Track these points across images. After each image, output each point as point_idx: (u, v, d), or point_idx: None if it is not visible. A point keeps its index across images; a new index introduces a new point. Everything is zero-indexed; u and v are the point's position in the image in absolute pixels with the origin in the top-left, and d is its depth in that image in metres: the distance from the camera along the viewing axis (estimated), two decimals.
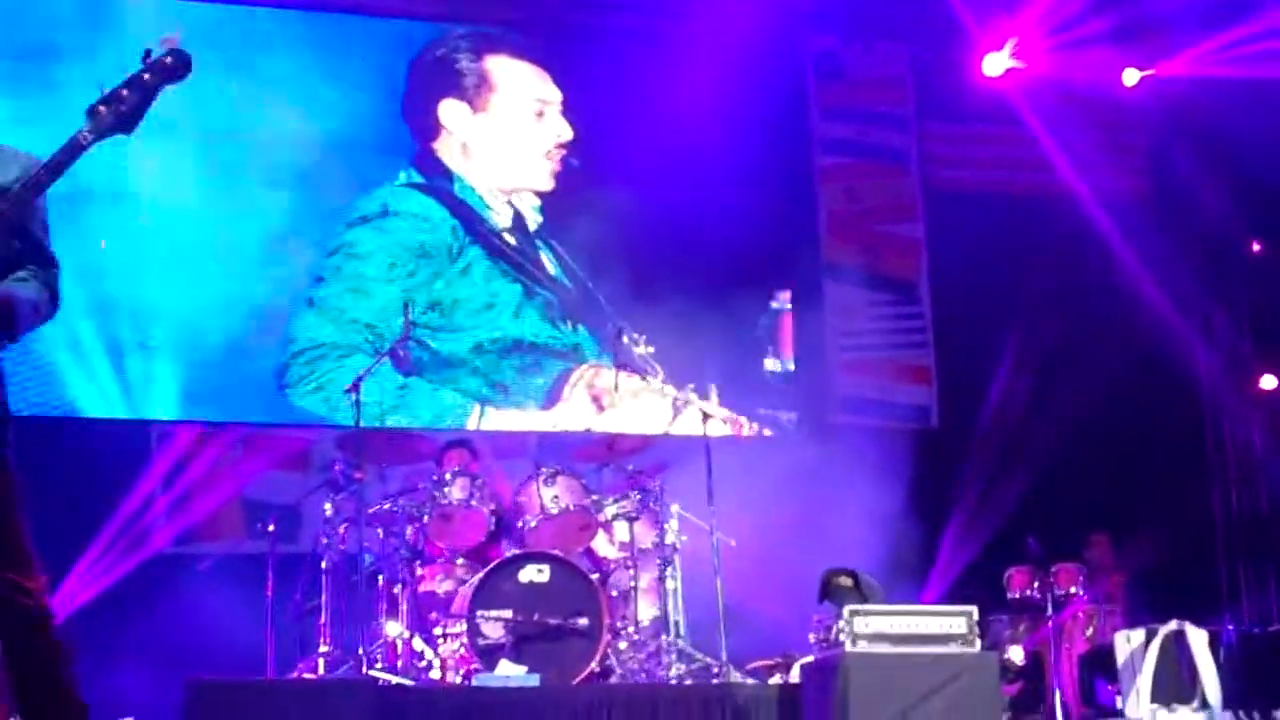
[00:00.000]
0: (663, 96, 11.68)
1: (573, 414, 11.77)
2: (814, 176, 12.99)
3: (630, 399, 11.51)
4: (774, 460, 11.21)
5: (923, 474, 11.59)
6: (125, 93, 4.32)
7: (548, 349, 11.85)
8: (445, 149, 12.05)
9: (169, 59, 4.38)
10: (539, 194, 12.17)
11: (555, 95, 12.29)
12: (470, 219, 11.93)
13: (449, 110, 12.11)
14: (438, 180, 11.96)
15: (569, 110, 12.25)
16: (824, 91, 13.22)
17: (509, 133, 12.22)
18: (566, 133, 12.21)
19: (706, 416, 9.81)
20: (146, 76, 4.35)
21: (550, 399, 11.82)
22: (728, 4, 11.84)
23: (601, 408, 11.76)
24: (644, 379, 10.42)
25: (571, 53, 12.44)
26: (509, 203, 12.09)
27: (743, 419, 11.94)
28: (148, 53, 4.36)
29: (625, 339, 10.23)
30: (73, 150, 4.32)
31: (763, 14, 12.05)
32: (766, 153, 12.41)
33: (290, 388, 11.32)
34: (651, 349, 10.39)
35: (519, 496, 9.58)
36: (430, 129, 12.04)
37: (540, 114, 12.25)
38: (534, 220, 12.13)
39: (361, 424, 9.41)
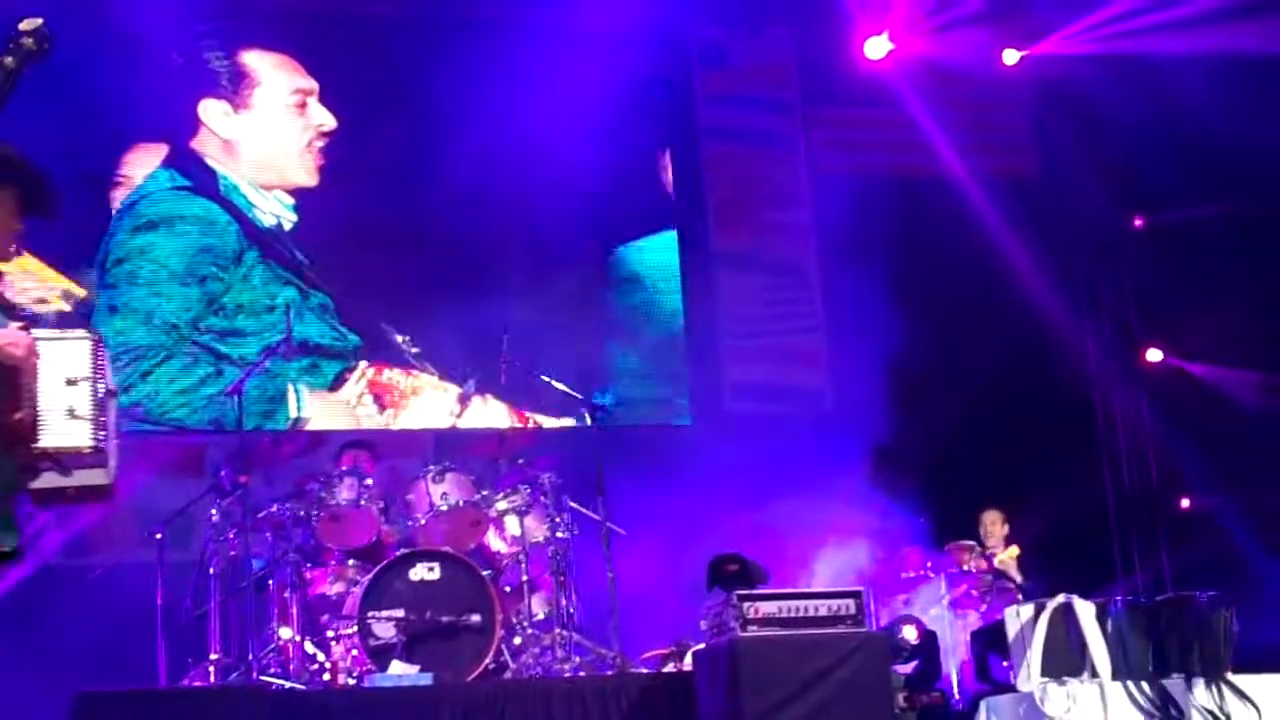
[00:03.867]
0: (532, 86, 11.62)
1: (355, 412, 11.71)
2: (701, 162, 12.99)
3: (412, 396, 11.58)
4: (667, 449, 11.21)
5: (816, 457, 11.61)
6: None
7: (329, 350, 11.71)
8: (206, 147, 11.81)
9: (29, 40, 4.33)
10: (292, 191, 11.96)
11: (312, 84, 12.06)
12: (243, 220, 11.73)
13: (209, 109, 11.84)
14: (202, 179, 11.72)
15: (327, 98, 12.04)
16: (708, 79, 13.22)
17: (272, 127, 11.98)
18: (329, 120, 12.01)
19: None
20: (8, 59, 4.32)
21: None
22: None
23: (383, 406, 11.71)
24: (422, 376, 10.46)
25: (332, 36, 12.24)
26: (273, 200, 11.90)
27: (538, 415, 11.87)
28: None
29: (400, 339, 10.29)
30: None
31: (646, 3, 12.02)
32: (648, 136, 12.39)
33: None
34: (417, 349, 10.47)
35: (408, 494, 9.53)
36: (188, 128, 11.79)
37: (302, 105, 12.04)
38: (288, 220, 11.92)
39: (244, 427, 9.32)
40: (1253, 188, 11.79)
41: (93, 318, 11.02)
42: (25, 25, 4.40)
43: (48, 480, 4.90)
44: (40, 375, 4.77)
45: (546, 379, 10.25)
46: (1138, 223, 13.36)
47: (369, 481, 9.43)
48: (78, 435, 4.81)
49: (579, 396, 10.11)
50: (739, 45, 13.31)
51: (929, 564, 10.45)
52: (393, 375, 11.60)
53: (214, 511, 9.27)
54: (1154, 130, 12.11)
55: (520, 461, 9.99)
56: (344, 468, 9.64)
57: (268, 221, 11.81)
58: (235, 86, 11.92)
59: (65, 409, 4.81)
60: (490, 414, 11.33)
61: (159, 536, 9.42)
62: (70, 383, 4.84)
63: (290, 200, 11.92)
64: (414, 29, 12.33)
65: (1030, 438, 12.23)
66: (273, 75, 12.03)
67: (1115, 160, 12.80)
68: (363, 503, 9.31)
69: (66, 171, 10.96)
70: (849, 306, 12.42)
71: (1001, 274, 12.56)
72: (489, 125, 11.74)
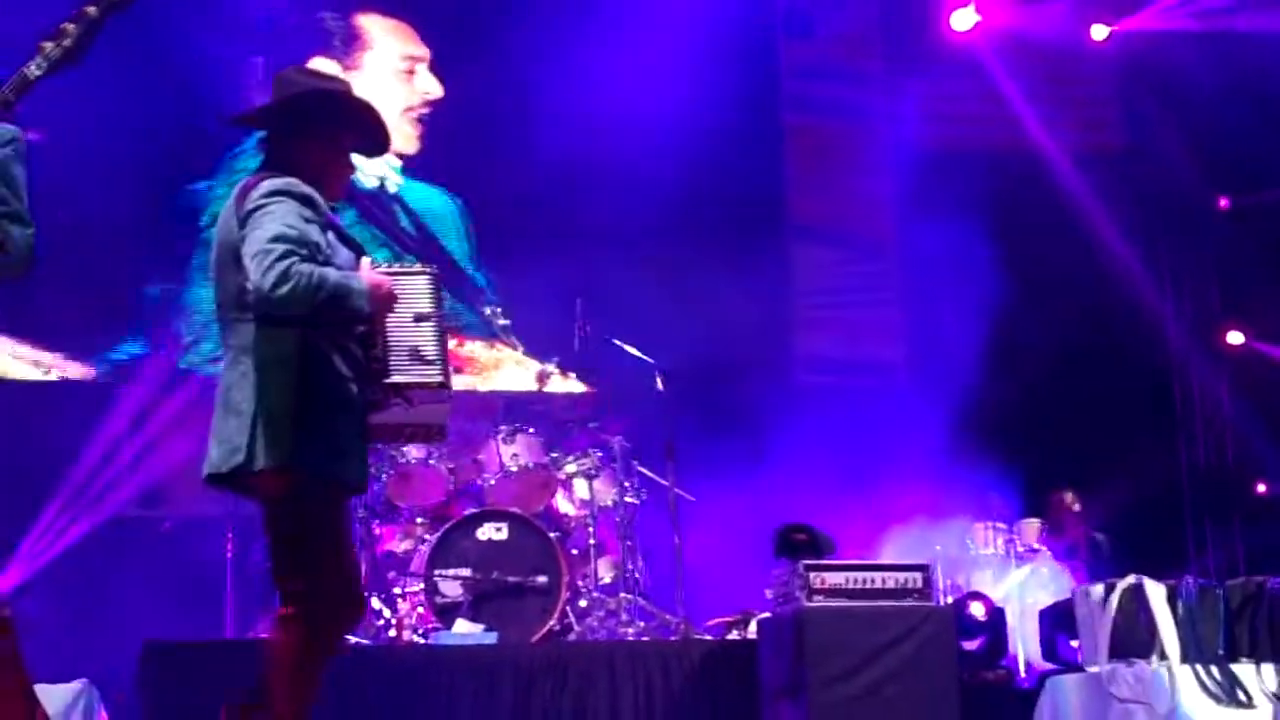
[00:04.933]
0: (623, 55, 11.56)
1: None
2: (784, 134, 12.91)
3: (493, 370, 11.62)
4: (737, 415, 11.17)
5: (889, 430, 11.55)
6: (70, 26, 4.30)
7: None
8: None
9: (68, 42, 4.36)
10: (401, 155, 12.01)
11: (424, 51, 12.13)
12: None
13: (320, 67, 11.84)
14: None
15: (437, 67, 12.10)
16: (792, 48, 13.14)
17: (380, 91, 11.96)
18: (436, 89, 12.07)
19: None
20: (91, 9, 4.33)
21: None
22: None
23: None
24: (504, 350, 10.47)
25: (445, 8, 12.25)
26: (375, 163, 11.91)
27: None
28: None
29: (487, 311, 10.30)
30: (21, 85, 4.25)
31: None
32: (733, 111, 12.30)
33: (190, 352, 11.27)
34: (508, 321, 10.48)
35: (479, 454, 9.54)
36: None
37: (410, 71, 12.11)
38: (394, 182, 12.00)
39: None
40: None
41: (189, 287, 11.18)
42: None
43: (389, 416, 5.02)
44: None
45: (618, 342, 10.23)
46: (1223, 203, 13.18)
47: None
48: (428, 372, 4.94)
49: (651, 361, 10.08)
50: (825, 14, 13.21)
51: (998, 539, 10.39)
52: (474, 348, 11.62)
53: None
54: (1242, 110, 11.94)
55: (592, 425, 9.98)
56: None
57: (370, 184, 11.88)
58: (348, 47, 12.02)
59: (413, 345, 4.93)
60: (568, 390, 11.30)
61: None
62: (419, 319, 4.96)
63: (398, 163, 11.99)
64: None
65: (1108, 416, 12.11)
66: (385, 39, 12.14)
67: (1202, 139, 12.61)
68: (432, 461, 9.33)
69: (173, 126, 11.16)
70: (929, 279, 12.33)
71: (1085, 250, 12.44)
72: (577, 94, 11.72)
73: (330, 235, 4.88)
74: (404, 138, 11.98)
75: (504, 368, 11.62)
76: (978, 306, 11.64)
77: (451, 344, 11.34)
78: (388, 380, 4.89)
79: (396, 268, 5.09)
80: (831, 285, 12.78)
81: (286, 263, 4.58)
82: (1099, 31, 12.99)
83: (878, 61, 13.19)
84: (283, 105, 4.97)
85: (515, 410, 10.59)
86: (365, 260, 5.01)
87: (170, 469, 10.50)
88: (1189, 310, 13.27)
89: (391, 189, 12.00)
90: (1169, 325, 13.22)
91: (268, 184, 4.76)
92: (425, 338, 4.94)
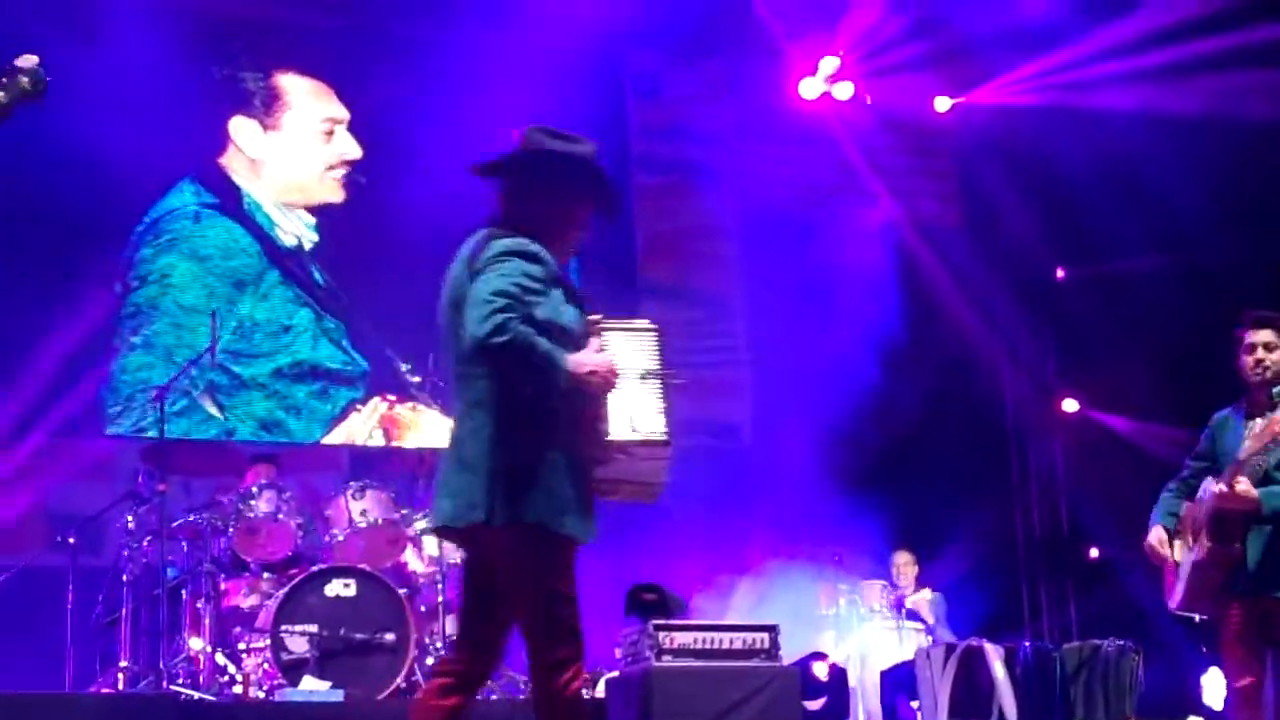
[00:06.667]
0: (471, 111, 11.62)
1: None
2: (631, 194, 13.02)
3: (413, 430, 11.67)
4: None
5: (733, 491, 11.66)
6: None
7: (339, 375, 11.74)
8: (232, 164, 11.87)
9: (25, 80, 4.34)
10: (316, 210, 12.06)
11: (343, 114, 12.20)
12: (265, 239, 11.81)
13: (240, 127, 11.92)
14: (227, 196, 11.76)
15: (356, 127, 12.17)
16: (642, 109, 13.28)
17: (299, 151, 12.09)
18: (354, 151, 12.14)
19: None
20: (1, 95, 4.32)
21: (333, 427, 11.76)
22: (545, 20, 11.83)
23: (390, 440, 11.71)
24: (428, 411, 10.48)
25: (364, 69, 12.29)
26: (293, 220, 11.95)
27: None
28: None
29: (403, 369, 10.34)
30: None
31: (581, 30, 12.03)
32: None
33: (114, 423, 11.14)
34: (417, 379, 10.52)
35: (327, 510, 9.50)
36: (216, 144, 11.85)
37: (330, 133, 12.16)
38: (309, 240, 12.01)
39: (166, 433, 9.24)
40: (1176, 244, 11.95)
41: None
42: (22, 62, 4.38)
43: (608, 470, 4.95)
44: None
45: None
46: (1060, 273, 13.52)
47: (288, 495, 9.38)
48: (651, 429, 4.92)
49: None
50: (674, 77, 13.37)
51: (841, 600, 10.55)
52: (401, 410, 11.65)
53: (129, 518, 9.20)
54: (1082, 182, 12.27)
55: None
56: (260, 480, 9.56)
57: (288, 241, 11.87)
58: (267, 107, 11.96)
59: (639, 402, 4.91)
60: None
61: (71, 541, 9.34)
62: (645, 376, 4.95)
63: (312, 220, 12.01)
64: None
65: (950, 480, 12.33)
66: (305, 100, 12.13)
67: (1042, 210, 12.93)
68: (280, 516, 9.26)
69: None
70: (774, 341, 12.49)
71: (927, 317, 12.68)
72: (441, 150, 11.79)
73: (557, 292, 4.87)
74: (326, 190, 12.07)
75: (424, 429, 11.57)
76: (825, 369, 11.80)
77: (383, 407, 11.51)
78: (610, 438, 4.88)
79: (622, 323, 5.06)
80: (681, 345, 12.86)
81: (504, 316, 4.59)
82: (942, 103, 13.31)
83: (728, 124, 13.33)
84: (525, 161, 5.03)
85: (364, 466, 10.55)
86: (594, 342, 4.95)
87: (15, 518, 10.34)
88: (1026, 378, 13.57)
89: (307, 246, 11.96)
90: (1008, 391, 13.51)
91: (500, 244, 4.80)
92: (649, 394, 4.95)
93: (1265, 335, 6.68)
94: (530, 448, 4.74)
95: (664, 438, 4.93)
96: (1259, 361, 6.65)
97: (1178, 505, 6.84)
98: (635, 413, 4.91)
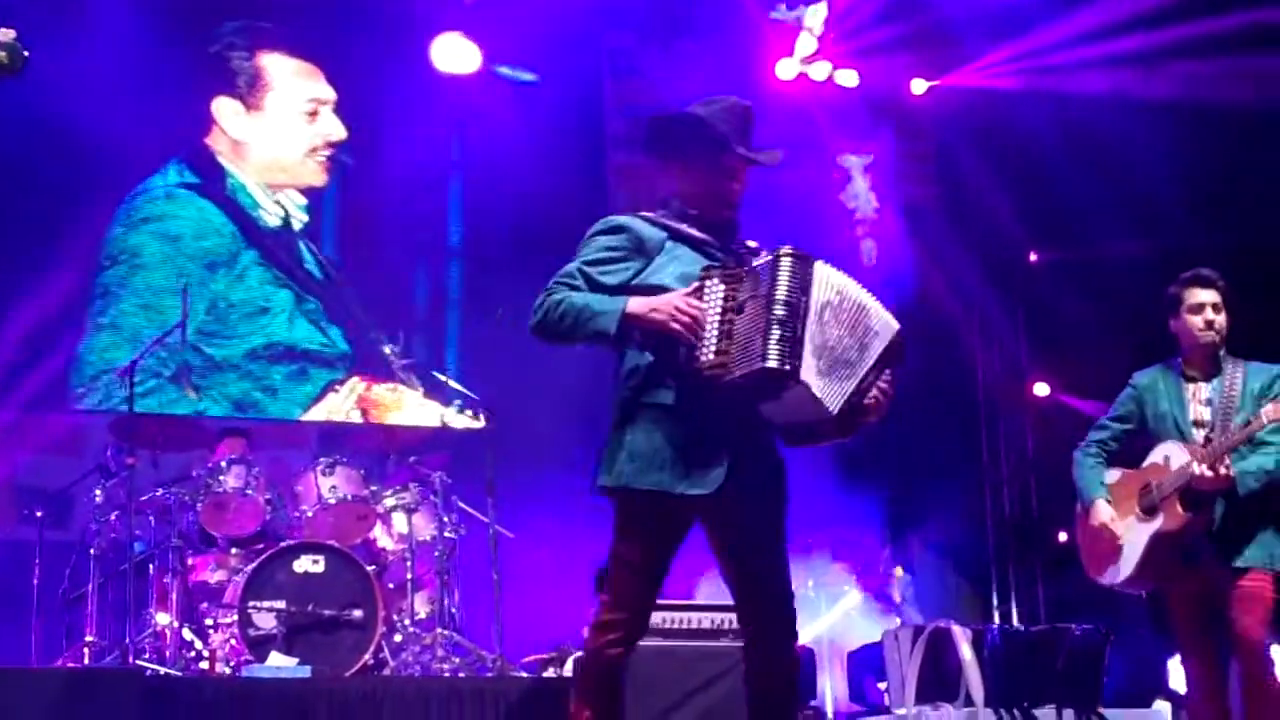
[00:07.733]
0: (451, 92, 11.60)
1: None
2: (607, 173, 12.99)
3: (395, 411, 11.57)
4: (559, 451, 11.21)
5: None
6: None
7: (318, 356, 11.69)
8: (217, 144, 11.81)
9: (2, 54, 4.32)
10: (306, 191, 12.01)
11: (329, 94, 12.13)
12: (244, 221, 11.71)
13: (222, 107, 11.86)
14: (211, 177, 11.70)
15: (342, 108, 12.11)
16: (619, 87, 13.23)
17: (281, 132, 12.01)
18: (339, 132, 12.07)
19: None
20: None
21: (310, 408, 11.70)
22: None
23: (369, 420, 11.67)
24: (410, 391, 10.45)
25: (349, 51, 12.22)
26: (277, 201, 11.88)
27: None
28: None
29: (387, 350, 10.27)
30: None
31: (560, 8, 12.00)
32: (560, 150, 12.37)
33: (80, 403, 11.07)
34: (409, 360, 10.47)
35: (296, 485, 9.47)
36: (202, 124, 11.79)
37: (314, 114, 12.08)
38: (299, 220, 11.96)
39: (135, 409, 9.18)
40: (1149, 229, 11.95)
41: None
42: None
43: (778, 418, 4.90)
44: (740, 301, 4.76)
45: (442, 376, 10.23)
46: (1032, 256, 13.53)
47: (256, 470, 9.34)
48: (756, 360, 4.69)
49: (475, 396, 10.07)
50: (651, 56, 13.32)
51: (810, 582, 10.55)
52: (380, 391, 11.58)
53: (98, 492, 9.16)
54: (1057, 165, 12.27)
55: (412, 459, 9.95)
56: (230, 455, 9.52)
57: (272, 222, 11.80)
58: (250, 87, 11.91)
59: (746, 335, 4.73)
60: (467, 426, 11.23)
61: (39, 515, 9.31)
62: (757, 305, 4.76)
63: (303, 200, 11.96)
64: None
65: (922, 461, 12.34)
66: (289, 80, 12.05)
67: (1017, 193, 12.93)
68: (249, 491, 9.22)
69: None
70: None
71: (901, 299, 12.65)
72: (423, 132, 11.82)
73: (661, 258, 4.93)
74: (310, 172, 12.00)
75: (405, 409, 11.54)
76: None
77: (360, 388, 11.47)
78: (719, 377, 4.71)
79: (737, 270, 4.87)
80: None
81: (541, 297, 4.84)
82: (918, 85, 13.29)
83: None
84: (650, 134, 5.17)
85: (334, 442, 10.52)
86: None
87: None
88: (998, 360, 13.58)
89: (296, 226, 11.89)
90: (980, 374, 13.53)
91: (595, 226, 5.01)
92: (754, 325, 4.72)
93: (1212, 295, 6.64)
94: (619, 408, 4.88)
95: (771, 365, 4.65)
96: (1210, 323, 6.58)
97: (1104, 473, 6.77)
98: (741, 348, 4.71)
